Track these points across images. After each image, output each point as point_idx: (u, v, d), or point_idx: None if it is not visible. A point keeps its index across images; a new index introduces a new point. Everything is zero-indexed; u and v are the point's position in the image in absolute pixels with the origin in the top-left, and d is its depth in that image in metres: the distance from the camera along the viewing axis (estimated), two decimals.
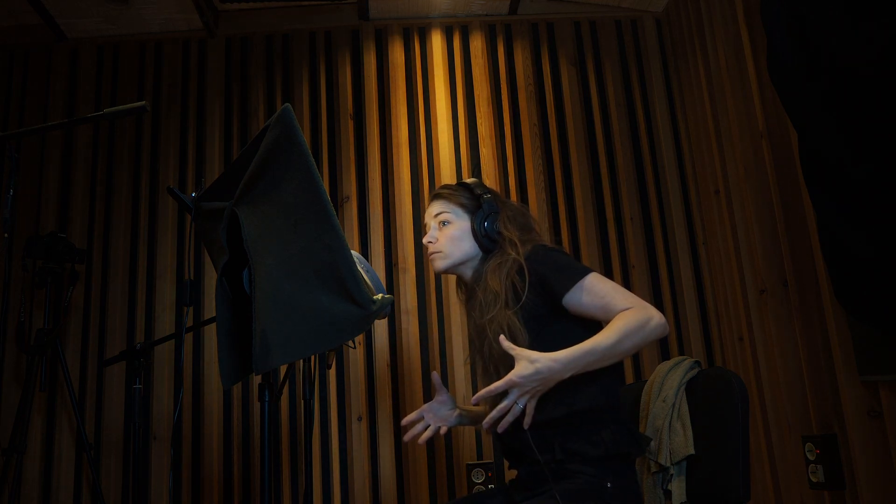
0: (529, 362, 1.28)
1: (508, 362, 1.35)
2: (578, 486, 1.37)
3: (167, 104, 2.79)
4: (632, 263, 2.69)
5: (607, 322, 1.41)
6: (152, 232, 2.67)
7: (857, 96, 0.66)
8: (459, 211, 1.59)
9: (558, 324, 1.45)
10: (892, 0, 0.61)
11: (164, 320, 2.59)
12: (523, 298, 1.44)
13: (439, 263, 1.59)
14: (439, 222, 1.60)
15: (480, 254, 1.58)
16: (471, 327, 1.59)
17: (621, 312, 1.36)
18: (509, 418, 1.32)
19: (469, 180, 1.64)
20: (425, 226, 1.64)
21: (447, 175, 2.73)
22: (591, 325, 1.45)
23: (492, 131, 2.78)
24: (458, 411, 1.68)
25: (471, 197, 1.59)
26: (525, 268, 1.46)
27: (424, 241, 1.61)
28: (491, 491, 1.60)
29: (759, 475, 2.26)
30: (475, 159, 2.75)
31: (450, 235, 1.57)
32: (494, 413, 1.33)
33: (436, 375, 1.64)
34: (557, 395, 1.43)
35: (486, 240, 1.55)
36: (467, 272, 1.60)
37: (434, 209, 1.62)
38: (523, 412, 1.34)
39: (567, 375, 1.32)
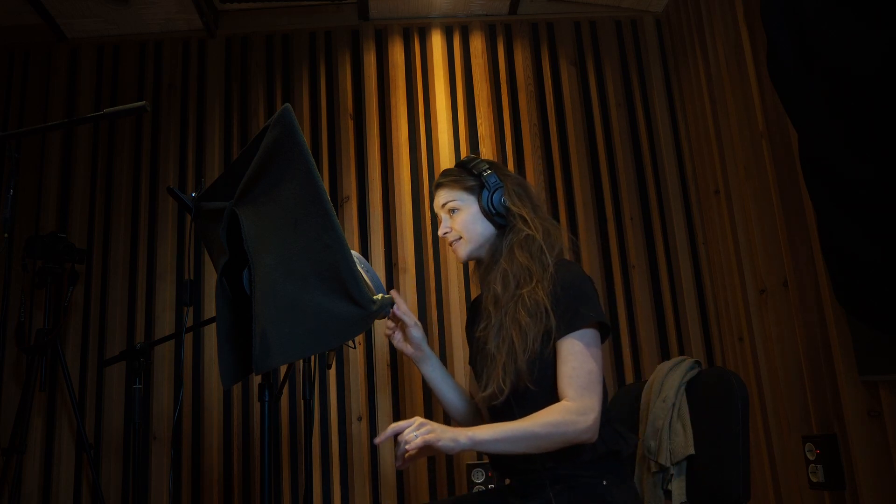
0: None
1: (524, 332, 1.39)
2: (575, 489, 1.37)
3: (167, 104, 2.79)
4: (632, 263, 2.68)
5: (555, 384, 1.39)
6: (152, 232, 2.67)
7: (858, 97, 0.66)
8: (464, 195, 1.56)
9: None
10: (893, 1, 0.61)
11: (164, 320, 2.59)
12: (550, 291, 1.43)
13: (463, 250, 1.57)
14: (448, 211, 1.58)
15: (496, 231, 1.56)
16: (486, 300, 1.54)
17: (556, 406, 1.33)
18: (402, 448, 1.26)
19: (465, 158, 1.61)
20: (437, 217, 1.63)
21: None
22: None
23: (492, 131, 2.78)
24: (424, 351, 1.64)
25: (472, 177, 1.57)
26: (554, 274, 1.45)
27: (440, 233, 1.60)
28: (489, 491, 1.60)
29: (759, 475, 2.26)
30: None
31: (462, 221, 1.56)
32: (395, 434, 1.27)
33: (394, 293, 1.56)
34: None
35: (498, 217, 1.54)
36: (485, 252, 1.58)
37: (440, 199, 1.60)
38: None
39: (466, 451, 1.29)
